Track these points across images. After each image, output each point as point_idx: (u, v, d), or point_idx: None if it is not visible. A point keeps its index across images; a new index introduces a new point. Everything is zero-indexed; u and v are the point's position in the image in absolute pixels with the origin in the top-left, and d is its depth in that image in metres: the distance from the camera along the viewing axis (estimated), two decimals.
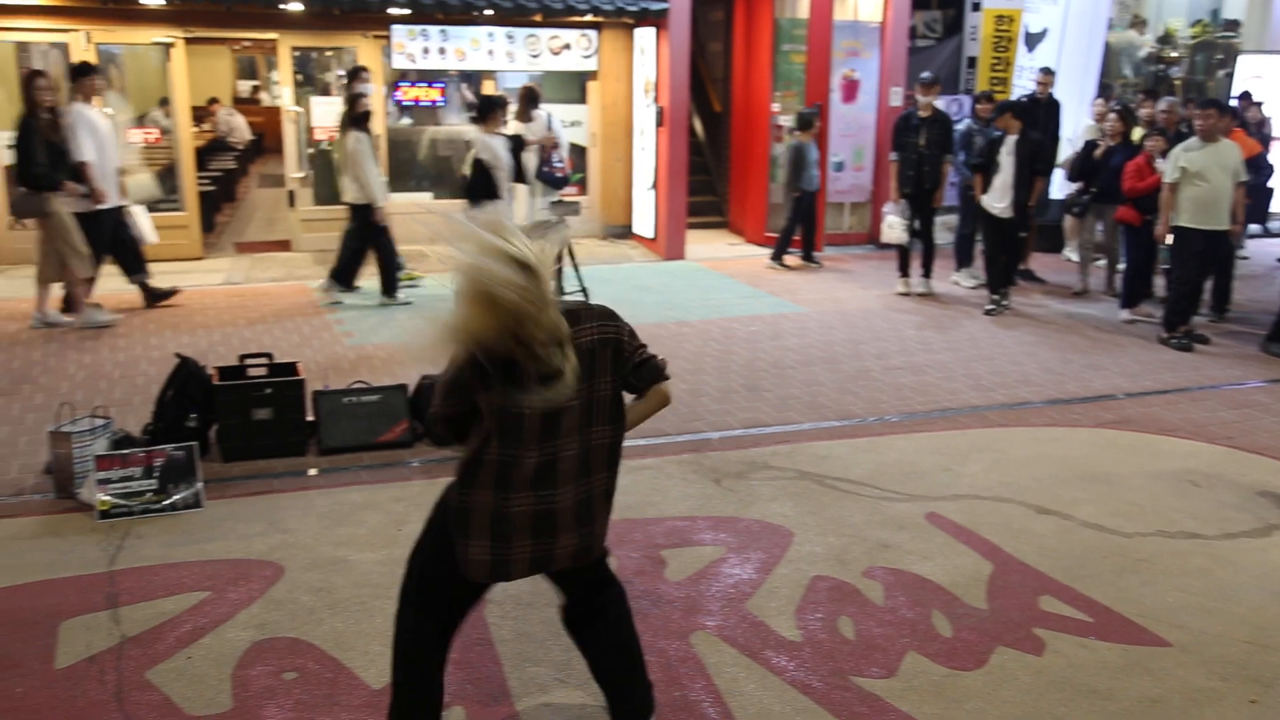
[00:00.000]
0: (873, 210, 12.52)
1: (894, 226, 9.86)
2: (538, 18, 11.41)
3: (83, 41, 10.52)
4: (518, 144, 9.23)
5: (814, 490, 5.46)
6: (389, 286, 9.34)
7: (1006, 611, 4.25)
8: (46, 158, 8.08)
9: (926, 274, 10.05)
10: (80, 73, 8.64)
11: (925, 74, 10.00)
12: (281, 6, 10.70)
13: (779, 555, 4.73)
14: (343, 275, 9.47)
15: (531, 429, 2.82)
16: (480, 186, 8.67)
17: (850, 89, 12.17)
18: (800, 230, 11.30)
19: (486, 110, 8.94)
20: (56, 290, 8.61)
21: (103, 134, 8.55)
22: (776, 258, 11.29)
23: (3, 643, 3.92)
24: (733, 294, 10.05)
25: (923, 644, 4.01)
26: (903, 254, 10.05)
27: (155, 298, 9.20)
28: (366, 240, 9.25)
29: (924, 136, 9.67)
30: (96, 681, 3.69)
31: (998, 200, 9.13)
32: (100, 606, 4.19)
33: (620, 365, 3.00)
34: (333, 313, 9.05)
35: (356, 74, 9.35)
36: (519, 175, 9.19)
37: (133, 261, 9.09)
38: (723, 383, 7.26)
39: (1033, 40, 12.40)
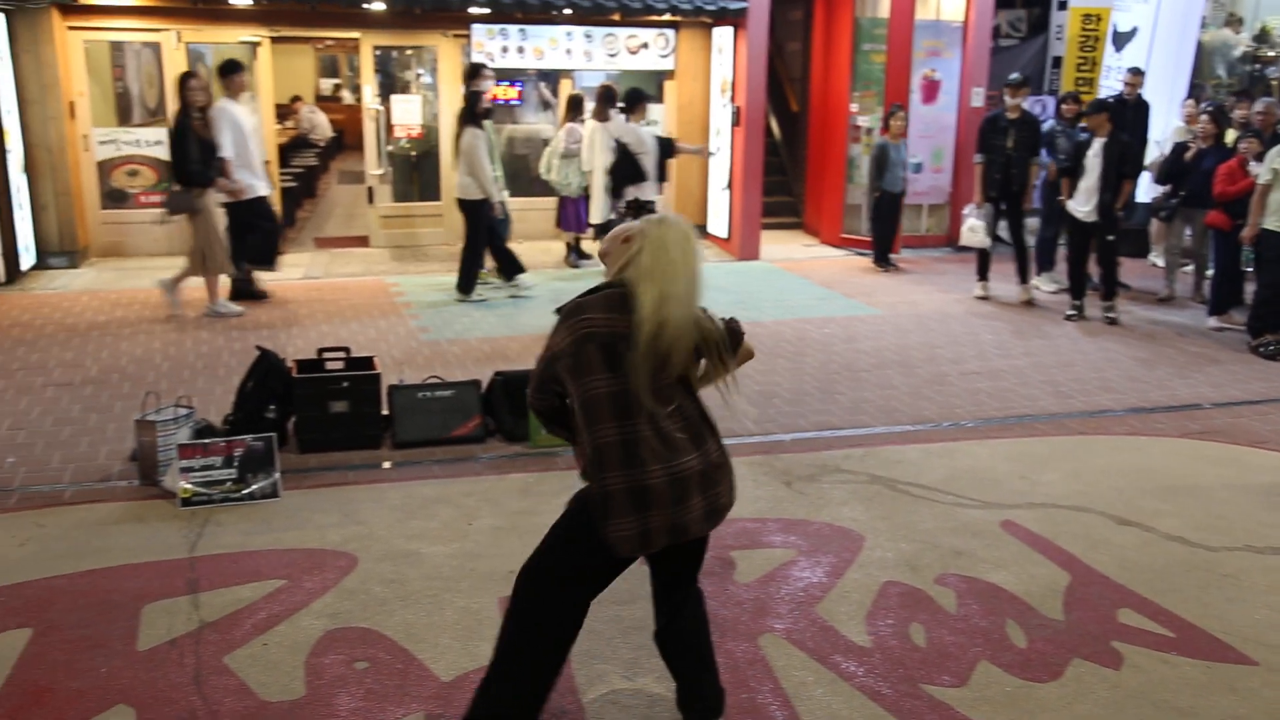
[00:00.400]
0: (951, 212, 12.33)
1: (975, 230, 9.68)
2: (616, 17, 11.44)
3: (173, 41, 10.79)
4: (667, 144, 9.44)
5: (886, 495, 5.39)
6: (467, 284, 9.42)
7: (1084, 624, 4.16)
8: (199, 155, 8.38)
9: (1023, 280, 9.78)
10: (228, 70, 8.95)
11: (1014, 75, 9.81)
12: (365, 6, 10.87)
13: (850, 559, 4.68)
14: (509, 270, 9.62)
15: (639, 404, 2.99)
16: (625, 172, 9.01)
17: (930, 89, 12.00)
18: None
19: (634, 101, 9.23)
20: (215, 280, 8.92)
21: (246, 129, 8.87)
22: (881, 260, 11.19)
23: (90, 623, 4.03)
24: (807, 295, 9.98)
25: (996, 654, 3.94)
26: (982, 258, 9.87)
27: (250, 295, 9.37)
28: (491, 232, 9.39)
29: (1011, 138, 9.48)
30: (176, 664, 3.77)
31: (1082, 204, 8.92)
32: (181, 591, 4.29)
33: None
34: (409, 308, 9.17)
35: (477, 71, 9.41)
36: (661, 173, 9.40)
37: (265, 252, 9.29)
38: (795, 384, 7.21)
39: (1121, 40, 12.10)
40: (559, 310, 3.15)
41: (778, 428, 6.38)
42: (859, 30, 11.96)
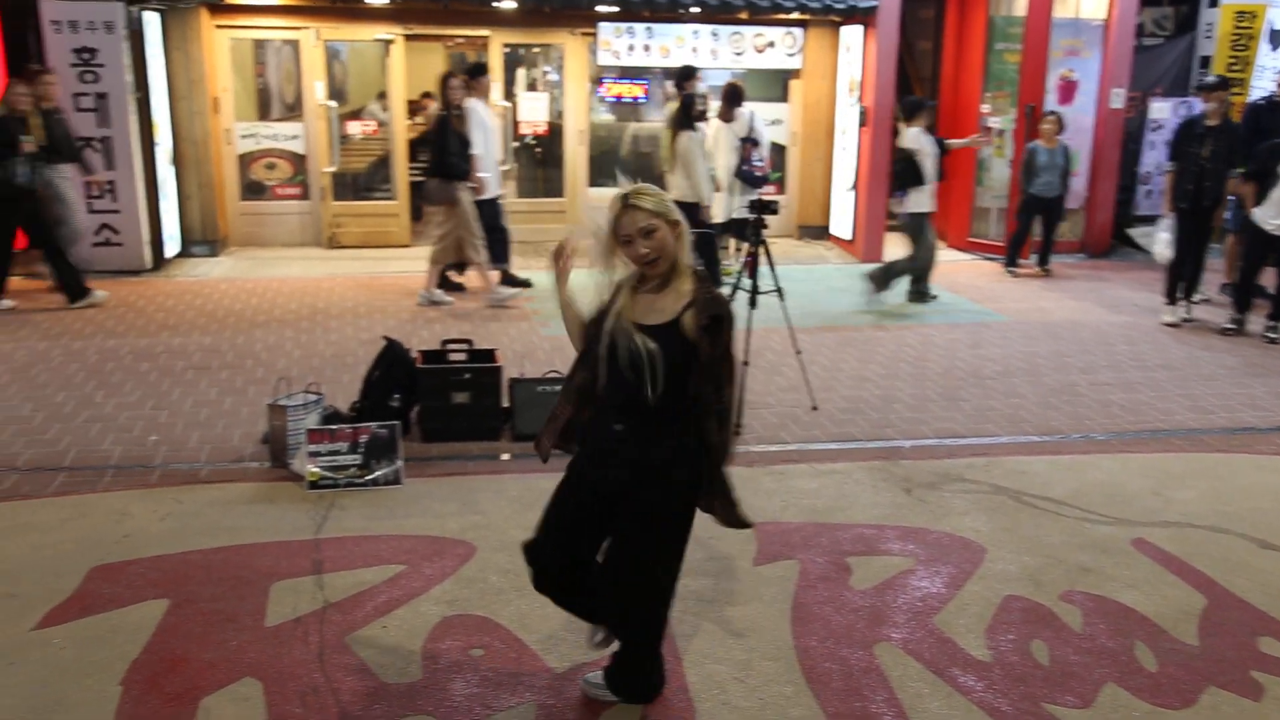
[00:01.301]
0: (1086, 217, 11.94)
1: (1163, 243, 9.11)
2: (743, 15, 11.38)
3: (312, 39, 11.13)
4: (942, 144, 9.49)
5: (1010, 506, 5.24)
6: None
7: (1220, 650, 3.97)
8: (458, 150, 8.73)
9: (1187, 297, 9.17)
10: (477, 72, 9.30)
11: (1209, 77, 9.24)
12: (495, 4, 11.05)
13: (970, 571, 4.56)
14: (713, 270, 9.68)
15: None
16: (906, 176, 9.15)
17: (1067, 90, 11.63)
18: (1008, 236, 10.92)
19: (913, 110, 9.28)
20: (479, 273, 9.29)
21: (490, 129, 9.21)
22: (1012, 264, 10.95)
23: (222, 597, 4.18)
24: (933, 301, 9.77)
25: (1124, 676, 3.79)
26: (1172, 275, 9.08)
27: (514, 284, 9.61)
28: (697, 238, 9.45)
29: (1208, 147, 8.79)
30: (301, 642, 3.89)
31: (1273, 215, 8.34)
32: (307, 571, 4.42)
33: None
34: (530, 302, 9.28)
35: (690, 74, 9.46)
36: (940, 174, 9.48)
37: (501, 250, 9.56)
38: (917, 390, 7.07)
39: (1277, 38, 11.54)
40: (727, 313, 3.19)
41: (898, 434, 6.26)
42: (993, 29, 11.67)
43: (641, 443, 3.24)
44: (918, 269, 9.51)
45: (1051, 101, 11.50)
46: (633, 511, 3.27)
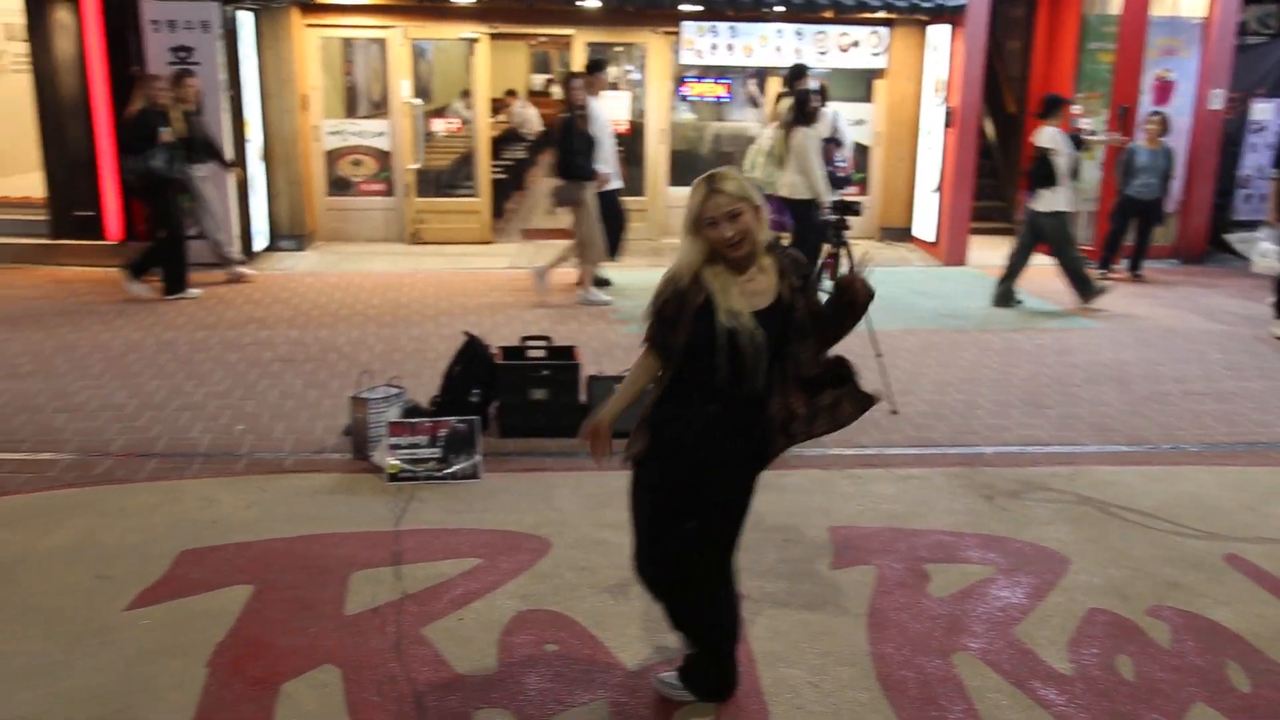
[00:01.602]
0: (1181, 222, 11.62)
1: (1266, 255, 8.85)
2: (828, 15, 11.28)
3: (399, 38, 11.30)
4: (1078, 142, 9.47)
5: (1095, 517, 5.12)
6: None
7: None
8: (583, 149, 8.87)
9: None
10: (594, 69, 9.44)
11: None
12: (579, 3, 11.10)
13: (1052, 582, 4.46)
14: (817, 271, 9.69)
15: None
16: (1041, 175, 9.07)
17: (1163, 90, 11.33)
18: (1099, 239, 10.68)
19: (1054, 107, 9.21)
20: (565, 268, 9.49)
21: (605, 125, 9.33)
22: (1104, 266, 10.72)
23: (304, 585, 4.27)
24: (1016, 305, 9.58)
25: (1214, 696, 3.67)
26: None
27: (599, 283, 9.73)
28: (813, 233, 9.50)
29: None
30: (379, 631, 3.95)
31: None
32: (386, 562, 4.49)
33: None
34: (609, 301, 9.31)
35: (802, 72, 9.49)
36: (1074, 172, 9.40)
37: (613, 243, 9.70)
38: (1000, 396, 6.94)
39: None
40: None
41: (979, 440, 6.15)
42: (1086, 28, 11.40)
43: (740, 424, 3.31)
44: (1067, 267, 9.36)
45: (1146, 103, 11.21)
46: (721, 491, 3.35)
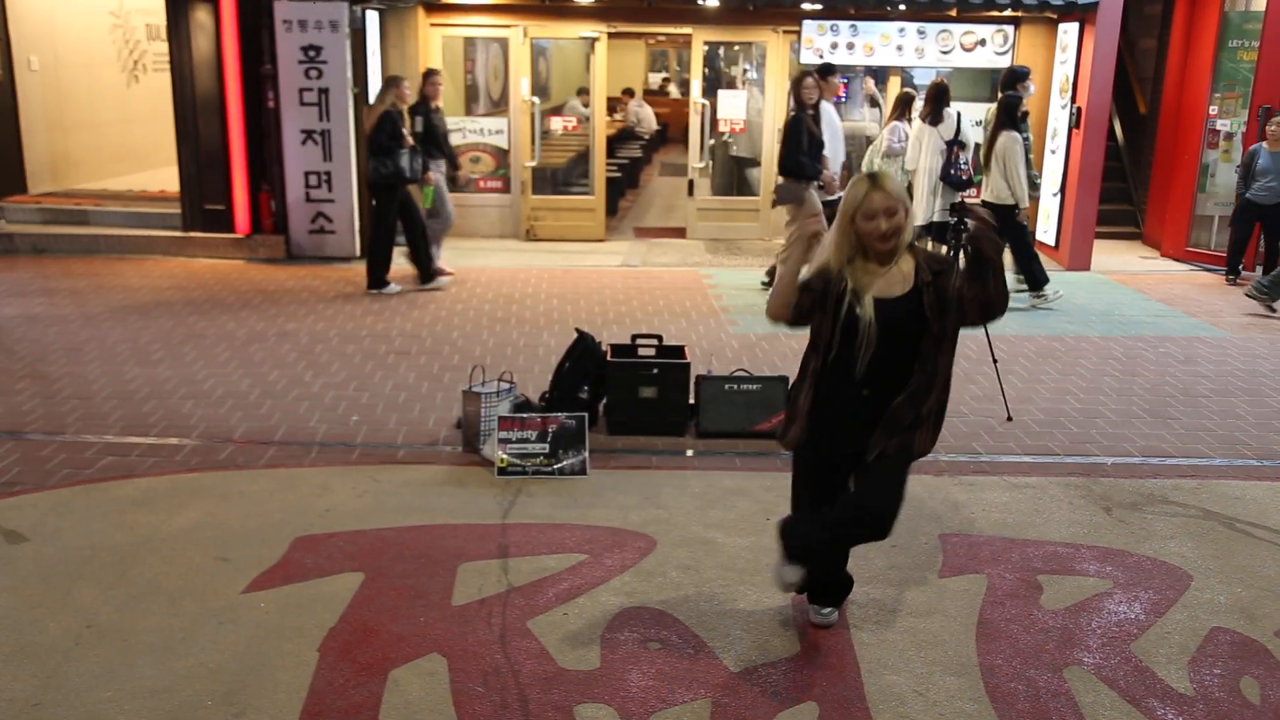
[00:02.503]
0: None
1: None
2: (953, 13, 11.05)
3: (519, 36, 11.45)
4: None
5: (1220, 533, 4.91)
6: (1036, 282, 9.41)
7: None
8: (810, 150, 8.94)
9: None
10: (826, 72, 9.43)
11: None
12: (699, 2, 11.09)
13: (1173, 599, 4.30)
14: (1033, 279, 9.56)
15: None
16: None
17: None
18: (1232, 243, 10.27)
19: None
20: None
21: (836, 129, 9.46)
22: (1234, 272, 10.32)
23: (413, 574, 4.36)
24: (1141, 311, 9.26)
25: None
26: None
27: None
28: (1014, 236, 9.46)
29: None
30: (485, 622, 4.01)
31: None
32: (493, 555, 4.55)
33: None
34: (720, 300, 9.29)
35: (1022, 76, 9.41)
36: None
37: None
38: (1122, 405, 6.71)
39: None
40: None
41: (1099, 449, 5.96)
42: (1226, 25, 10.94)
43: (884, 402, 3.63)
44: None
45: None
46: (881, 457, 3.66)
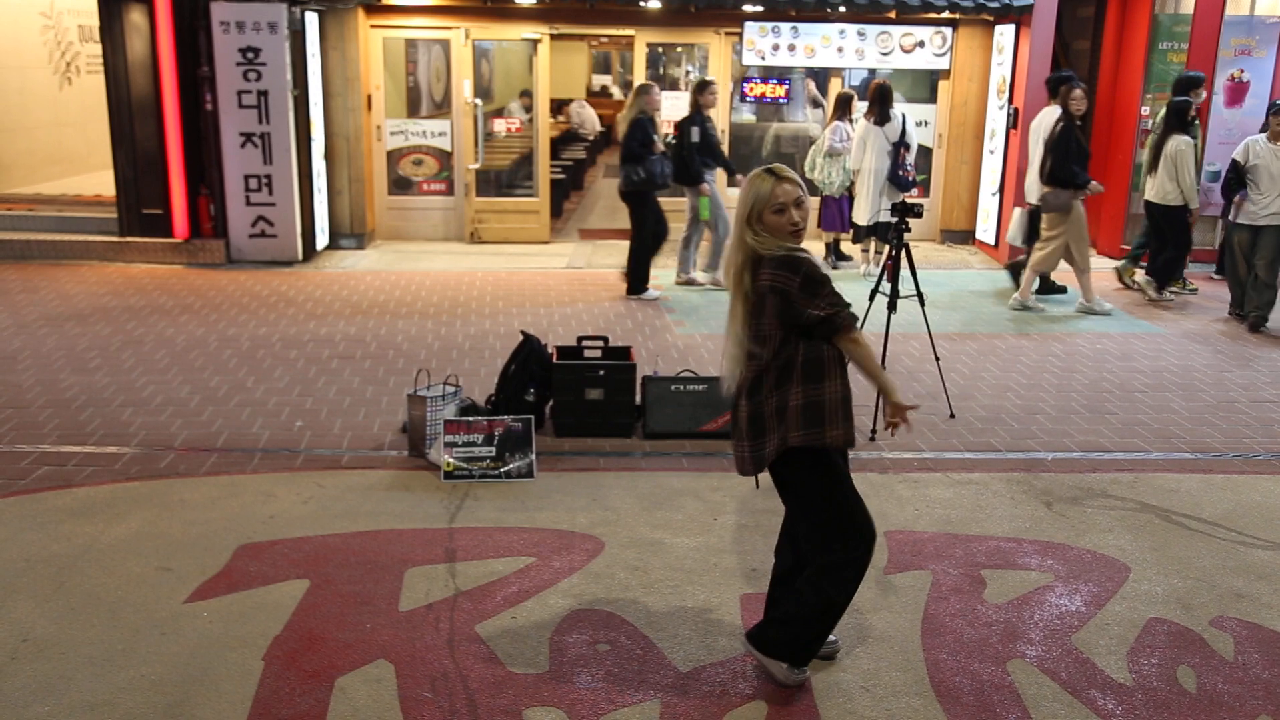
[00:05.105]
0: None
1: None
2: (891, 15, 11.18)
3: (461, 38, 11.39)
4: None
5: (1157, 525, 5.02)
6: (1164, 279, 9.56)
7: None
8: (1078, 158, 8.92)
9: None
10: (1072, 83, 9.27)
11: None
12: (642, 4, 11.11)
13: (1112, 590, 4.38)
14: (1162, 274, 9.61)
15: None
16: None
17: (1237, 92, 11.06)
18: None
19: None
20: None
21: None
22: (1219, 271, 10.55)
23: (359, 580, 4.32)
24: (1079, 309, 9.43)
25: (1279, 710, 3.58)
26: None
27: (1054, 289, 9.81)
28: (1175, 239, 9.53)
29: None
30: (433, 627, 3.98)
31: None
32: (440, 559, 4.53)
33: (787, 312, 3.43)
34: (665, 301, 9.31)
35: (1194, 82, 9.45)
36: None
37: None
38: (1061, 401, 6.83)
39: None
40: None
41: (1039, 445, 6.06)
42: (1157, 28, 11.18)
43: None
44: None
45: (1218, 104, 10.97)
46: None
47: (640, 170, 9.04)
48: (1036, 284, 9.48)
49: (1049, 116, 9.15)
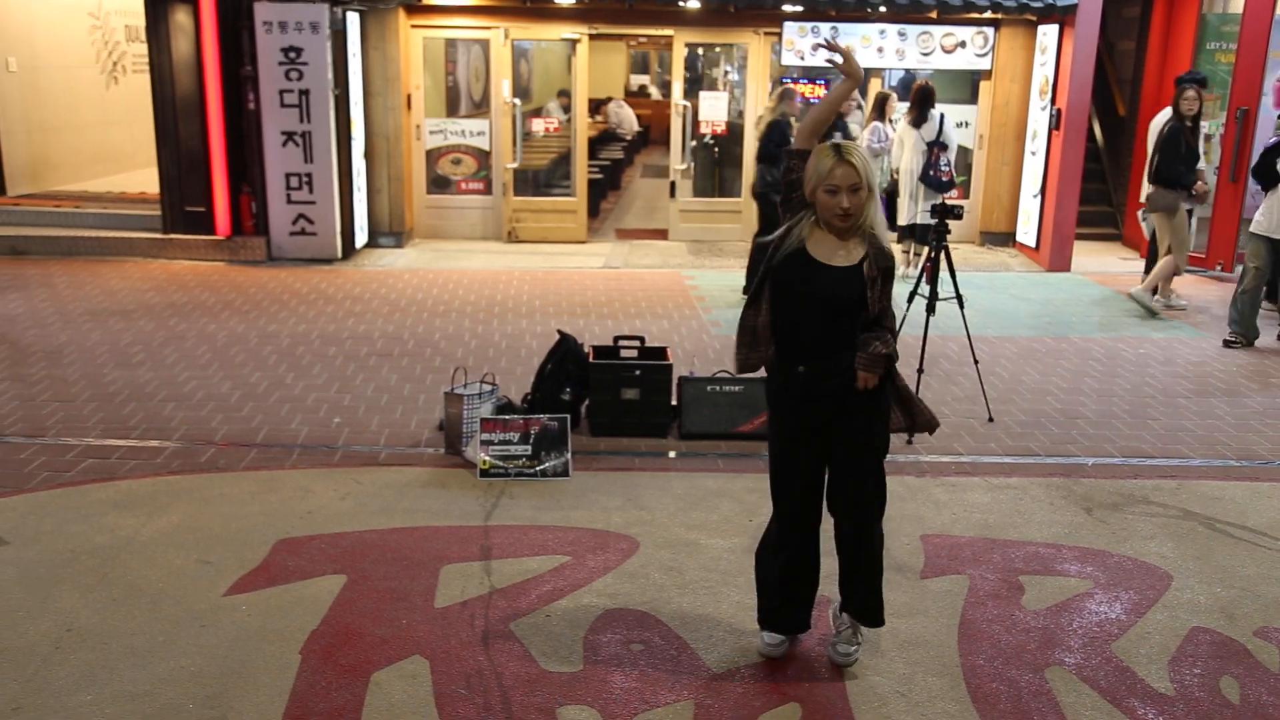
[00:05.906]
0: None
1: None
2: (933, 15, 11.10)
3: (500, 38, 11.43)
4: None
5: (1200, 533, 4.94)
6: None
7: None
8: (1186, 160, 8.94)
9: None
10: (1204, 83, 9.35)
11: None
12: (681, 4, 11.11)
13: (1153, 599, 4.33)
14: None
15: None
16: None
17: None
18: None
19: None
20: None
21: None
22: None
23: (395, 576, 4.34)
24: (1121, 311, 9.32)
25: None
26: None
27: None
28: None
29: None
30: (467, 624, 4.00)
31: None
32: (475, 557, 4.54)
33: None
34: (702, 301, 9.29)
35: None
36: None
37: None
38: (1103, 406, 6.75)
39: None
40: None
41: (1080, 450, 5.99)
42: (1204, 27, 11.03)
43: (832, 371, 3.53)
44: None
45: (1268, 105, 10.79)
46: (844, 435, 3.61)
47: (774, 172, 8.98)
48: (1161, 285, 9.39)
49: (1164, 116, 9.08)
